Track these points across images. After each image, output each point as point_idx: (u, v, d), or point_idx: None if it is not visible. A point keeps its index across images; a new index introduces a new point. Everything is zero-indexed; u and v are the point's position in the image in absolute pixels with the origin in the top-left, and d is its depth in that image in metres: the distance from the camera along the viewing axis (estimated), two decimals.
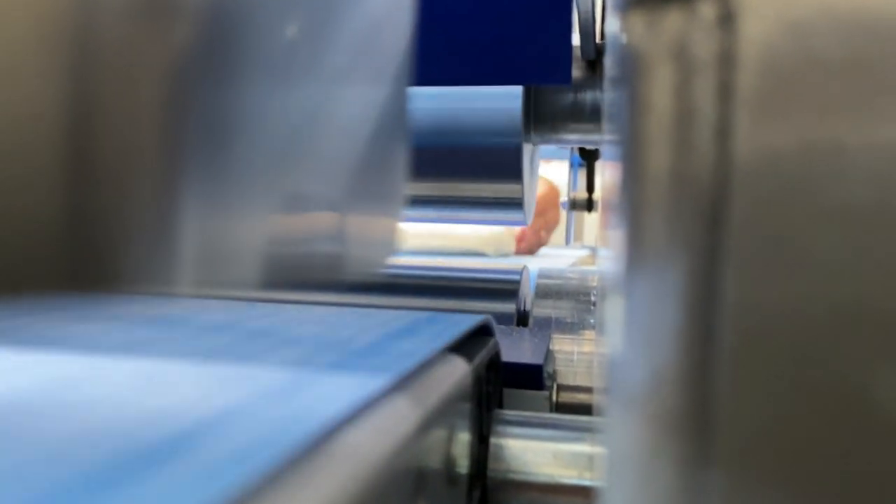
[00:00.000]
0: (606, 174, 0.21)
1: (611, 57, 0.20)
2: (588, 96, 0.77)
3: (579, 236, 2.58)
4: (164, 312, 0.32)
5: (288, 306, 0.40)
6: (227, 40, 0.38)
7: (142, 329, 0.28)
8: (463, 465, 0.32)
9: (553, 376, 0.60)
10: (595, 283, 0.72)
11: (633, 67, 0.17)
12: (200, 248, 0.36)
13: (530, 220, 0.86)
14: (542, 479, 0.36)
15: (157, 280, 0.35)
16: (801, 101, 0.16)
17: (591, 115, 0.78)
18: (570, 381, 0.61)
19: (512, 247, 2.23)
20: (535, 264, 0.80)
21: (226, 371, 0.22)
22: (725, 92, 0.16)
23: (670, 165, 0.17)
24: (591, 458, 0.35)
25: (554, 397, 0.56)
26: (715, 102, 0.16)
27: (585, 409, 0.55)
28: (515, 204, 0.79)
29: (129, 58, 0.33)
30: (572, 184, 1.70)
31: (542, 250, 2.30)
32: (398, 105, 0.62)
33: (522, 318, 0.72)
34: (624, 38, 0.18)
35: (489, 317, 0.39)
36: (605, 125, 0.21)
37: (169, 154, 0.34)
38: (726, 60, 0.16)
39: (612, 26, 0.20)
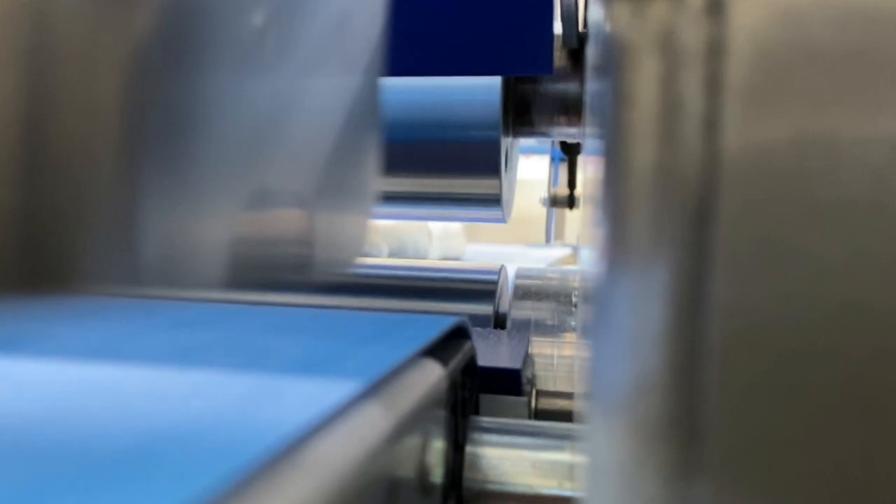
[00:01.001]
0: (589, 169, 0.20)
1: (594, 46, 0.20)
2: (570, 88, 0.77)
3: (560, 235, 2.58)
4: (123, 314, 0.32)
5: (253, 308, 0.40)
6: (190, 29, 0.37)
7: (100, 332, 0.28)
8: (437, 474, 0.32)
9: (532, 381, 0.60)
10: (576, 284, 0.72)
11: (617, 57, 0.17)
12: (162, 247, 0.36)
13: (509, 218, 0.86)
14: (520, 489, 0.36)
15: (117, 280, 0.34)
16: (793, 93, 0.16)
17: (574, 107, 0.78)
18: (550, 387, 0.61)
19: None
20: (514, 264, 0.80)
21: (187, 377, 0.22)
22: (714, 83, 0.16)
23: (656, 160, 0.17)
24: (571, 467, 0.35)
25: (533, 403, 0.56)
26: (703, 94, 0.16)
27: (566, 416, 0.55)
28: (493, 200, 0.79)
29: (86, 48, 0.33)
30: (553, 179, 1.70)
31: (522, 249, 2.29)
32: (370, 97, 0.62)
33: (500, 321, 0.72)
34: (608, 27, 0.18)
35: (465, 318, 0.39)
36: (588, 118, 0.21)
37: (129, 148, 0.34)
38: (715, 50, 0.16)
39: (595, 14, 0.20)
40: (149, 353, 0.24)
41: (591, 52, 0.21)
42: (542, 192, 1.49)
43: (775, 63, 0.16)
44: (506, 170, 0.80)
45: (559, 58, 0.77)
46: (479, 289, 0.74)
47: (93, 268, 0.34)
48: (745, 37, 0.16)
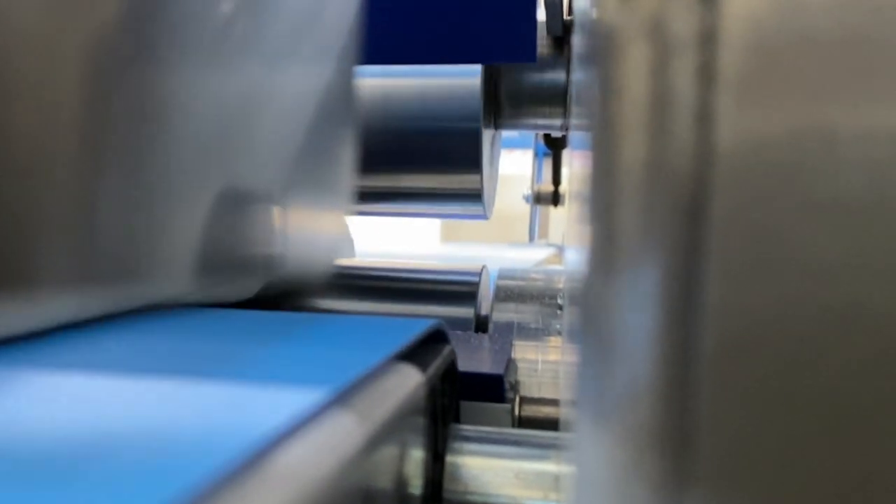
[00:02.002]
0: (575, 164, 0.20)
1: (580, 34, 0.20)
2: (555, 77, 0.77)
3: (544, 233, 2.58)
4: (81, 318, 0.32)
5: (222, 311, 0.40)
6: (154, 16, 0.37)
7: (58, 337, 0.28)
8: (416, 485, 0.32)
9: (515, 387, 0.60)
10: (562, 285, 0.72)
11: (604, 46, 0.17)
12: (124, 248, 0.36)
13: (491, 214, 0.86)
14: (503, 500, 0.36)
15: (77, 282, 0.34)
16: (790, 84, 0.16)
17: (558, 98, 0.78)
18: (535, 393, 0.61)
19: None
20: (496, 263, 0.80)
21: (147, 384, 0.22)
22: (706, 73, 0.16)
23: (645, 155, 0.17)
24: (557, 478, 0.35)
25: (516, 411, 0.56)
26: (695, 85, 0.16)
27: (551, 424, 0.55)
28: (474, 196, 0.79)
29: (45, 36, 0.32)
30: (537, 175, 1.70)
31: (504, 248, 2.29)
32: (344, 87, 0.62)
33: (481, 324, 0.72)
34: (595, 14, 0.18)
35: (441, 321, 0.39)
36: (574, 110, 0.21)
37: (89, 142, 0.34)
38: (707, 38, 0.16)
39: (581, 0, 0.20)
40: (106, 359, 0.24)
41: (578, 41, 0.21)
42: (525, 189, 1.48)
43: (771, 52, 0.16)
44: (487, 163, 0.80)
45: (543, 45, 0.77)
46: (460, 290, 0.74)
47: (50, 270, 0.34)
48: (739, 24, 0.16)
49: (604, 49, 0.17)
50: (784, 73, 0.16)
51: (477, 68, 0.76)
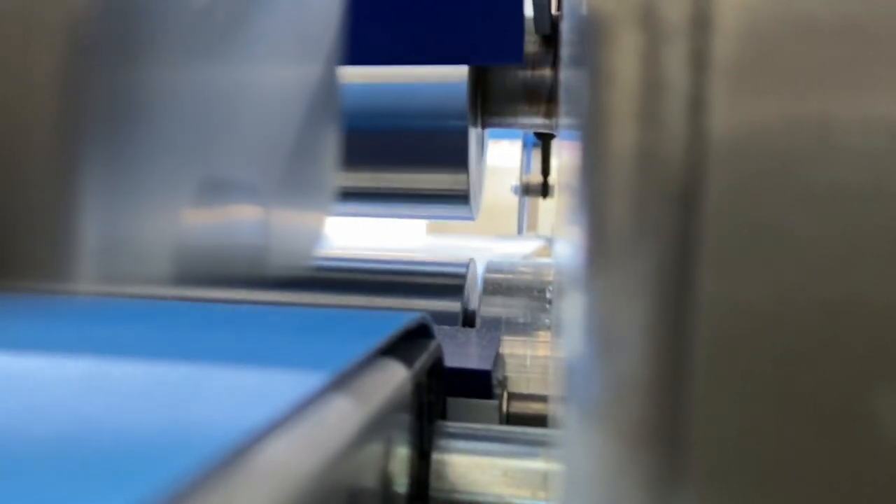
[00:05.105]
0: (564, 154, 0.20)
1: (570, 23, 0.20)
2: (542, 75, 0.77)
3: (533, 225, 2.58)
4: (61, 312, 0.32)
5: (201, 304, 0.40)
6: (134, 9, 0.37)
7: (35, 329, 0.27)
8: (401, 483, 0.32)
9: (503, 383, 0.60)
10: (551, 278, 0.72)
11: (594, 32, 0.17)
12: (104, 241, 0.36)
13: (478, 215, 0.85)
14: (490, 499, 0.36)
15: (55, 276, 0.34)
16: (785, 71, 0.16)
17: (547, 97, 0.77)
18: (523, 389, 0.61)
19: None
20: (483, 256, 0.80)
21: (125, 377, 0.22)
22: (699, 60, 0.16)
23: (637, 143, 0.17)
24: (546, 476, 0.35)
25: (504, 407, 0.57)
26: (687, 72, 0.16)
27: (540, 421, 0.55)
28: (460, 197, 0.79)
29: (22, 28, 0.32)
30: (525, 166, 1.70)
31: (492, 241, 2.29)
32: (328, 85, 0.62)
33: (469, 318, 0.72)
34: (584, 2, 0.18)
35: (426, 314, 0.39)
36: (563, 99, 0.21)
37: (68, 136, 0.34)
38: (700, 24, 0.16)
39: None
40: (88, 351, 0.24)
41: (567, 31, 0.20)
42: (514, 180, 1.48)
43: (765, 38, 0.16)
44: (474, 163, 0.80)
45: (531, 43, 0.77)
46: (446, 284, 0.74)
47: (30, 263, 0.34)
48: (732, 9, 0.16)
49: (594, 35, 0.17)
50: (779, 60, 0.16)
51: (463, 68, 0.76)
